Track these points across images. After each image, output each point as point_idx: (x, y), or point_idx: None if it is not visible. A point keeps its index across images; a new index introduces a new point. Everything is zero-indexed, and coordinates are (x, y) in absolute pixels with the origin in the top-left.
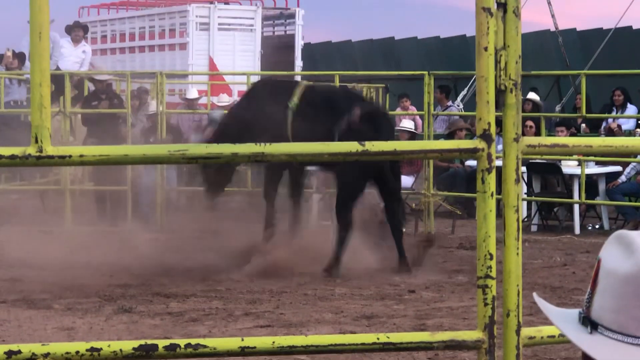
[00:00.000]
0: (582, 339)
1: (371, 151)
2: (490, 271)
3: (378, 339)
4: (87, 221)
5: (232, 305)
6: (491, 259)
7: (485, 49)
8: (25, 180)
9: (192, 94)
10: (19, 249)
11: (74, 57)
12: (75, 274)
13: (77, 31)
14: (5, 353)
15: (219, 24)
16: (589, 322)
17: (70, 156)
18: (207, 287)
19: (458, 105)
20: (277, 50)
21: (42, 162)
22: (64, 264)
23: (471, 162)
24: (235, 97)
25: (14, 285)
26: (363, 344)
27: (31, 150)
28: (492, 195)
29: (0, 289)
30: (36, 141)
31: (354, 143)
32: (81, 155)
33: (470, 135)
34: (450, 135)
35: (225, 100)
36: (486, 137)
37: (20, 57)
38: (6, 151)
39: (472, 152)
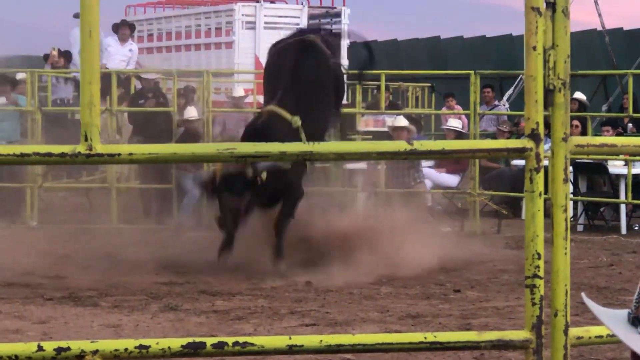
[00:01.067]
0: (633, 339)
1: (419, 150)
2: (538, 271)
3: (425, 338)
4: (133, 219)
5: (277, 304)
6: (539, 258)
7: (534, 48)
8: (72, 178)
9: (238, 92)
10: (65, 246)
11: (120, 56)
12: (122, 272)
13: (124, 30)
14: (54, 350)
15: (265, 23)
16: (639, 322)
17: (119, 154)
18: (252, 286)
19: (504, 105)
20: None
21: (92, 160)
22: (110, 261)
23: (517, 162)
24: None
25: (61, 282)
26: (410, 343)
27: (81, 148)
28: (540, 194)
29: (47, 286)
30: (86, 139)
31: (403, 142)
32: (130, 154)
33: (517, 135)
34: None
35: None
36: (534, 136)
37: (66, 55)
38: (56, 149)
39: (521, 152)
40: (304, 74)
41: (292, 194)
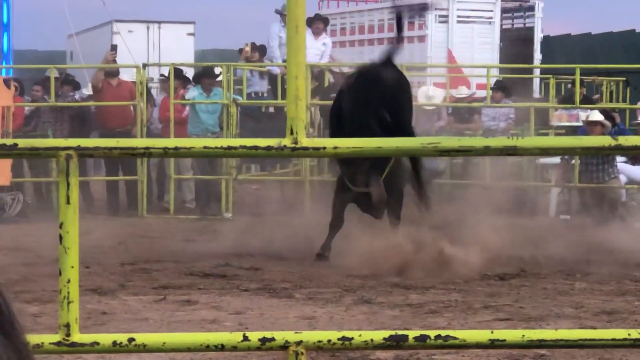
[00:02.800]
0: None
1: (624, 145)
2: None
3: (629, 334)
4: (326, 212)
5: (471, 298)
6: None
7: None
8: (265, 171)
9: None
10: (260, 238)
11: (314, 50)
12: (316, 264)
13: (317, 24)
14: (259, 340)
15: (458, 17)
16: None
17: (324, 148)
18: (446, 280)
19: None
20: (516, 43)
21: (297, 154)
22: (304, 253)
23: None
24: (474, 90)
25: (255, 274)
26: (613, 339)
27: (286, 141)
28: None
29: (242, 278)
30: (291, 133)
31: (607, 138)
32: (335, 147)
33: None
34: None
35: (464, 92)
36: None
37: (260, 49)
38: (262, 142)
39: None
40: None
41: (398, 200)
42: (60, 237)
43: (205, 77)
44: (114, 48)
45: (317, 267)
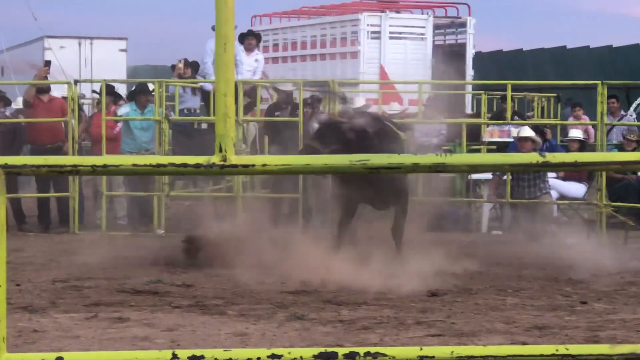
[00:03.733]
0: None
1: (552, 162)
2: None
3: (557, 350)
4: (259, 228)
5: (403, 314)
6: None
7: None
8: (198, 187)
9: (359, 102)
10: (191, 255)
11: (246, 66)
12: (248, 281)
13: (250, 40)
14: (188, 358)
15: (391, 33)
16: None
17: (253, 165)
18: (378, 296)
19: (631, 115)
20: (448, 58)
21: (226, 171)
22: (236, 270)
23: None
24: (406, 106)
25: (188, 290)
26: (542, 355)
27: (215, 159)
28: None
29: (175, 295)
30: (220, 150)
31: (535, 155)
32: (264, 165)
33: None
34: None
35: (396, 108)
36: None
37: (192, 65)
38: (191, 160)
39: None
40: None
41: (403, 197)
42: None
43: (141, 94)
44: (47, 64)
45: (248, 284)
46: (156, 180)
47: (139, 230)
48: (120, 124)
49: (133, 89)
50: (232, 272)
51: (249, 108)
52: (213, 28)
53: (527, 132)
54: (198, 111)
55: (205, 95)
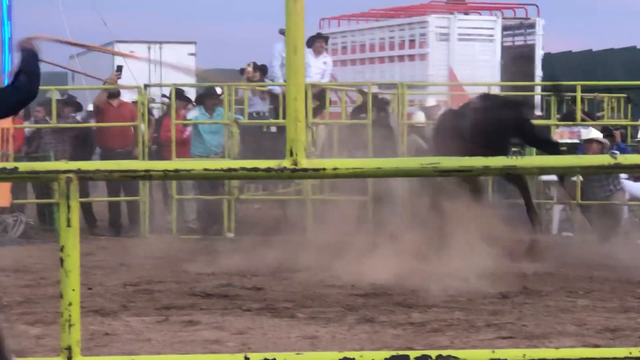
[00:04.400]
0: None
1: (623, 164)
2: None
3: (630, 353)
4: (328, 231)
5: (473, 316)
6: None
7: None
8: (267, 190)
9: (430, 102)
10: (262, 258)
11: (315, 68)
12: (318, 283)
13: (318, 42)
14: None
15: (459, 35)
16: None
17: (324, 169)
18: (448, 298)
19: None
20: (516, 60)
21: (297, 175)
22: (307, 273)
23: None
24: None
25: (258, 294)
26: (615, 358)
27: (286, 163)
28: None
29: (245, 298)
30: (291, 154)
31: (606, 157)
32: (335, 168)
33: None
34: None
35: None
36: None
37: (261, 69)
38: (262, 164)
39: None
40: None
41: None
42: (61, 260)
43: (208, 98)
44: (119, 69)
45: (318, 287)
46: (226, 183)
47: (209, 233)
48: (189, 128)
49: (201, 93)
50: (301, 274)
51: (317, 111)
52: (281, 31)
53: (593, 133)
54: (267, 114)
55: (274, 99)
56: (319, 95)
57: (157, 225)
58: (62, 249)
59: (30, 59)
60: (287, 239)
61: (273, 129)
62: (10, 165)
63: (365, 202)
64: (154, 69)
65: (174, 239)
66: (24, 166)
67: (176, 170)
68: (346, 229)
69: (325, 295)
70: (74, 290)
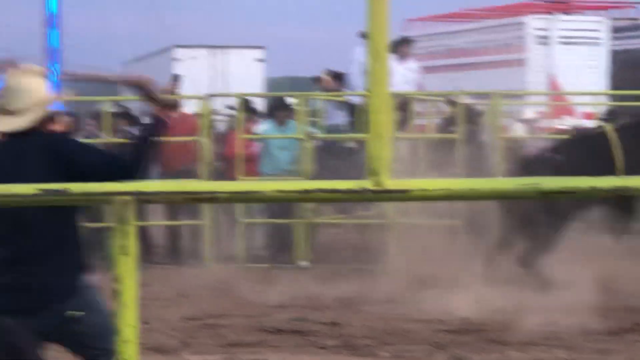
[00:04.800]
0: None
1: None
2: None
3: None
4: (412, 258)
5: (577, 355)
6: None
7: None
8: (345, 212)
9: (529, 114)
10: (338, 289)
11: (399, 76)
12: (401, 318)
13: (403, 47)
14: None
15: (560, 37)
16: None
17: (410, 190)
18: (548, 334)
19: None
20: (629, 66)
21: (381, 197)
22: (389, 306)
23: None
24: (580, 120)
25: (334, 329)
26: None
27: (368, 184)
28: None
29: (319, 334)
30: (373, 173)
31: None
32: (422, 190)
33: None
34: None
35: (568, 123)
36: None
37: (338, 77)
38: (342, 185)
39: None
40: None
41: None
42: (116, 292)
43: (280, 110)
44: (176, 79)
45: (402, 321)
46: (299, 205)
47: (279, 261)
48: (258, 143)
49: (271, 104)
50: (382, 307)
51: (401, 124)
52: (361, 34)
53: None
54: (345, 128)
55: (352, 110)
56: (403, 105)
57: (221, 252)
58: (117, 280)
59: (154, 132)
60: (366, 268)
61: (351, 144)
62: (60, 186)
63: (455, 227)
64: (217, 77)
65: (240, 268)
66: (75, 187)
67: (246, 192)
68: (433, 256)
69: (409, 330)
70: (131, 326)
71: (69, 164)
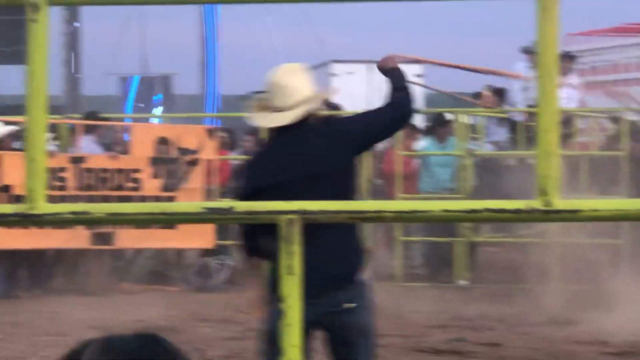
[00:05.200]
0: None
1: None
2: None
3: None
4: (576, 278)
5: None
6: None
7: None
8: (505, 231)
9: None
10: (500, 309)
11: (561, 92)
12: (564, 339)
13: (565, 62)
14: None
15: None
16: None
17: (581, 210)
18: None
19: None
20: None
21: (550, 217)
22: (551, 327)
23: None
24: None
25: (495, 350)
26: None
27: (537, 203)
28: None
29: (480, 354)
30: (542, 193)
31: None
32: (594, 210)
33: None
34: None
35: None
36: None
37: (499, 93)
38: (510, 205)
39: None
40: None
41: None
42: (282, 312)
43: (440, 126)
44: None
45: (565, 343)
46: (458, 223)
47: (438, 280)
48: (417, 160)
49: (431, 121)
50: (544, 328)
51: (564, 141)
52: (524, 50)
53: None
54: (505, 145)
55: (513, 127)
56: (566, 122)
57: (378, 270)
58: (282, 300)
59: (400, 76)
60: (528, 287)
61: (511, 161)
62: (225, 204)
63: (618, 245)
64: (375, 93)
65: (398, 287)
66: (240, 205)
67: (412, 212)
68: (597, 276)
69: (573, 352)
70: (295, 346)
71: (352, 140)
